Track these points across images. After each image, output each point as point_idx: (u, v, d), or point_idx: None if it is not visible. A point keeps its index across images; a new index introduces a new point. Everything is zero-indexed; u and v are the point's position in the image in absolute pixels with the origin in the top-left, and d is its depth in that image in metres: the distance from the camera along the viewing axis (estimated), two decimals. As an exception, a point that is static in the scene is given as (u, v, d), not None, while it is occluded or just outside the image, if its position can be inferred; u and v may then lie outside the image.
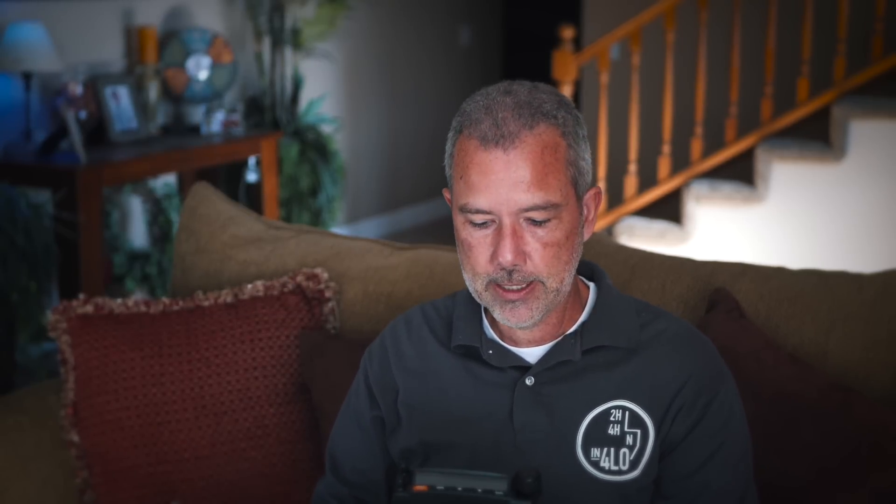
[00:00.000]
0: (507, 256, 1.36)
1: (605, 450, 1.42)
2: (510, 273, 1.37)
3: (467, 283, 1.43)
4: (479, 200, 1.36)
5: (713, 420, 1.43)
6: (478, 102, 1.39)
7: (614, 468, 1.41)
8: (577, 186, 1.40)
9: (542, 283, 1.38)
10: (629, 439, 1.42)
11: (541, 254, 1.37)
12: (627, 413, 1.42)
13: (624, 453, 1.42)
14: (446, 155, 1.43)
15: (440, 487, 1.19)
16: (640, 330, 1.46)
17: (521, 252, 1.37)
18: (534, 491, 1.17)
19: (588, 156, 1.43)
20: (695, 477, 1.42)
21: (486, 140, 1.36)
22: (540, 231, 1.37)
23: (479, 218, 1.38)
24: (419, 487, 1.19)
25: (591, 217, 1.45)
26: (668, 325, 1.48)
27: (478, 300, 1.44)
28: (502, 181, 1.35)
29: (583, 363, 1.44)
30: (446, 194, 1.47)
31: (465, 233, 1.39)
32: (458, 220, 1.41)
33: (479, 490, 1.18)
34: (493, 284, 1.39)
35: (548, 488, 1.39)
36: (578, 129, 1.41)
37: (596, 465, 1.41)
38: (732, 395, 1.47)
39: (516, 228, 1.36)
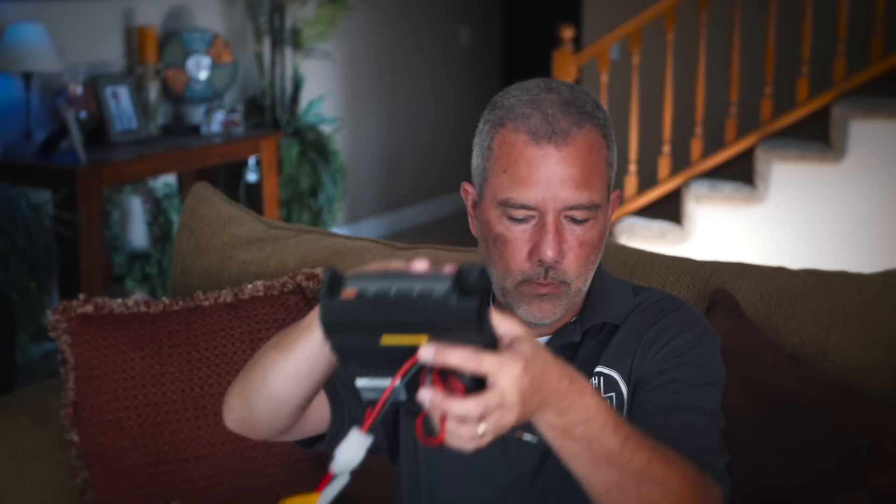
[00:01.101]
0: (549, 253, 1.34)
1: None
2: (547, 271, 1.36)
3: (494, 280, 1.41)
4: (528, 195, 1.34)
5: (677, 345, 1.39)
6: (519, 97, 1.37)
7: None
8: (610, 188, 1.41)
9: (568, 284, 1.38)
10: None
11: (576, 253, 1.36)
12: (603, 378, 1.42)
13: None
14: (479, 148, 1.40)
15: (371, 293, 1.01)
16: (635, 307, 1.46)
17: (562, 249, 1.36)
18: (479, 288, 1.01)
19: (616, 158, 1.43)
20: (660, 384, 1.38)
21: (537, 135, 1.34)
22: (579, 230, 1.36)
23: (520, 213, 1.36)
24: (347, 293, 1.01)
25: (610, 218, 1.45)
26: (650, 295, 1.48)
27: (500, 298, 1.41)
28: (553, 176, 1.34)
29: (581, 344, 1.44)
30: (467, 188, 1.45)
31: (502, 227, 1.37)
32: (493, 214, 1.38)
33: (415, 292, 1.00)
34: (526, 282, 1.37)
35: (543, 473, 1.40)
36: (612, 131, 1.41)
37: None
38: (702, 337, 1.42)
39: (559, 225, 1.35)
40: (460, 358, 1.01)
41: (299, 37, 5.33)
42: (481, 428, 1.03)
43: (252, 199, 4.96)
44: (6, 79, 4.16)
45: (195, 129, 4.67)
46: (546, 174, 1.34)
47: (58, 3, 4.38)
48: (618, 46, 5.62)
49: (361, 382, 1.06)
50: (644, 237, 4.83)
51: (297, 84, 5.38)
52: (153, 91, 4.52)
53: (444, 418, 1.02)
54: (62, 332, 1.99)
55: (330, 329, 1.03)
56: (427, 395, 1.01)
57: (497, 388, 1.02)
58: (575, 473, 1.18)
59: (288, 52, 5.38)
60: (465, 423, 1.02)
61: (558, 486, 1.41)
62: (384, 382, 1.04)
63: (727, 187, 4.88)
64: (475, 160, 1.41)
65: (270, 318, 2.02)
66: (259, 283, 2.06)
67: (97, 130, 4.20)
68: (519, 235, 1.36)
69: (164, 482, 1.95)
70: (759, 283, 1.88)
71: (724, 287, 1.87)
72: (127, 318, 2.01)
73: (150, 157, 4.21)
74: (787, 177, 4.78)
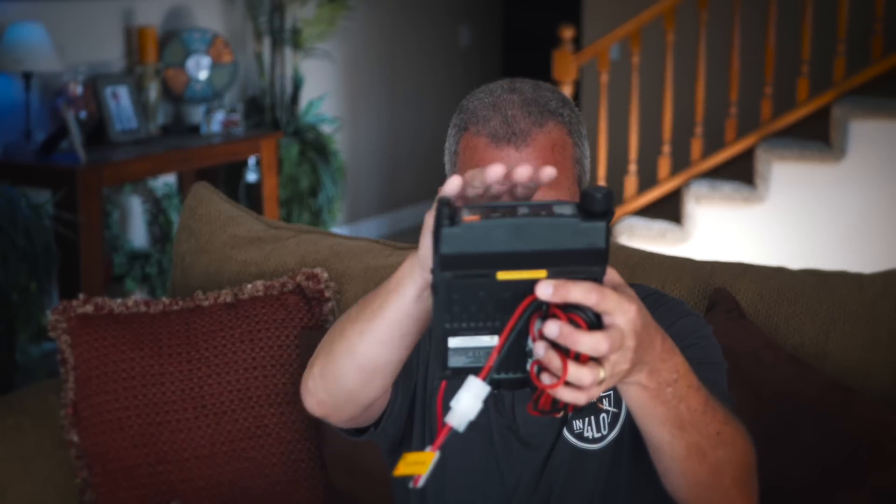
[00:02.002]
0: None
1: (587, 419, 1.41)
2: None
3: None
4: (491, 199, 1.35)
5: (679, 330, 1.38)
6: (482, 100, 1.37)
7: (597, 435, 1.41)
8: (581, 185, 1.40)
9: None
10: (605, 402, 1.41)
11: None
12: None
13: (602, 417, 1.41)
14: (447, 153, 1.41)
15: (496, 215, 0.93)
16: None
17: None
18: (605, 210, 0.94)
19: (588, 154, 1.42)
20: None
21: (496, 138, 1.34)
22: None
23: None
24: (470, 218, 0.93)
25: None
26: (639, 290, 1.47)
27: None
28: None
29: None
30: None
31: None
32: None
33: (543, 213, 0.93)
34: None
35: (546, 473, 1.39)
36: (581, 127, 1.40)
37: (580, 436, 1.41)
38: (701, 323, 1.42)
39: None
40: (582, 292, 0.95)
41: (299, 37, 5.33)
42: (602, 371, 0.98)
43: (252, 199, 4.96)
44: (6, 79, 4.15)
45: (195, 129, 4.67)
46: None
47: (58, 2, 4.37)
48: (618, 46, 5.62)
49: (456, 342, 0.97)
50: (644, 237, 4.82)
51: (297, 84, 5.38)
52: (153, 91, 4.52)
53: (564, 363, 0.96)
54: (62, 332, 1.98)
55: (447, 262, 0.94)
56: (554, 328, 0.95)
57: (616, 326, 0.98)
58: (656, 440, 1.17)
59: (288, 52, 5.38)
60: (587, 365, 0.97)
61: (561, 485, 1.41)
62: (482, 341, 0.97)
63: (727, 187, 4.87)
64: (446, 165, 1.42)
65: (270, 318, 2.02)
66: (259, 283, 2.06)
67: (97, 130, 4.20)
68: None
69: (163, 482, 1.95)
70: (759, 283, 1.88)
71: (724, 287, 1.87)
72: (127, 319, 2.01)
73: (150, 156, 4.21)
74: (787, 177, 4.78)
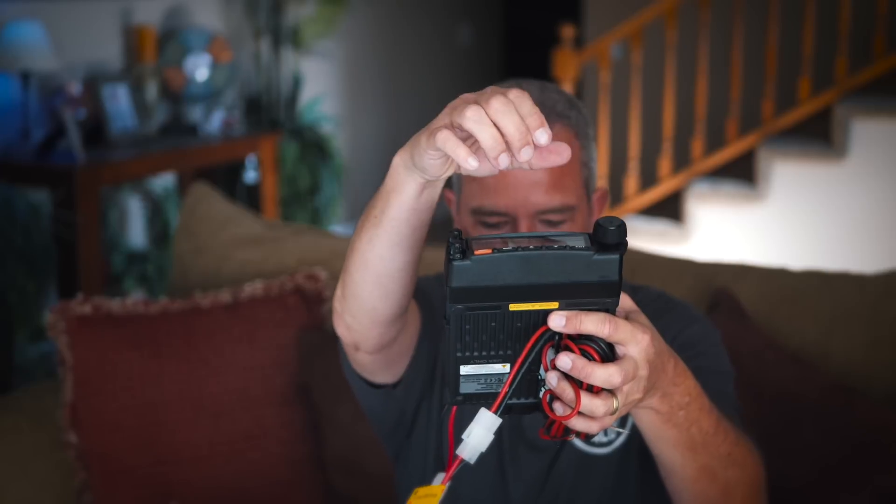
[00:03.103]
0: None
1: None
2: None
3: None
4: (497, 202, 1.35)
5: (688, 337, 1.38)
6: None
7: (605, 439, 1.40)
8: (588, 187, 1.39)
9: None
10: None
11: None
12: None
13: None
14: None
15: (508, 247, 0.93)
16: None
17: None
18: (618, 242, 0.93)
19: (596, 156, 1.42)
20: None
21: None
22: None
23: (493, 219, 1.36)
24: (481, 251, 0.93)
25: (596, 218, 1.44)
26: (647, 293, 1.46)
27: None
28: (520, 183, 1.34)
29: None
30: (448, 195, 1.45)
31: (477, 234, 1.37)
32: (468, 221, 1.38)
33: (556, 245, 0.93)
34: None
35: (552, 477, 1.39)
36: (588, 129, 1.40)
37: (588, 441, 1.40)
38: (710, 330, 1.42)
39: (532, 229, 1.35)
40: (594, 324, 0.95)
41: (299, 36, 5.32)
42: (616, 402, 0.97)
43: (251, 198, 4.95)
44: (4, 78, 4.15)
45: (194, 129, 4.66)
46: (514, 180, 1.34)
47: (56, 1, 4.37)
48: (619, 45, 5.61)
49: (468, 369, 0.98)
50: (645, 237, 4.82)
51: (297, 83, 5.38)
52: (152, 90, 4.51)
53: (577, 394, 0.95)
54: (60, 332, 1.98)
55: (458, 295, 0.94)
56: (566, 361, 0.94)
57: (629, 357, 0.97)
58: (667, 462, 1.17)
59: (287, 52, 5.37)
60: (601, 396, 0.96)
61: (569, 489, 1.40)
62: (494, 369, 0.98)
63: (728, 186, 4.87)
64: None
65: (269, 318, 2.01)
66: (258, 283, 2.06)
67: (95, 130, 4.19)
68: None
69: (162, 483, 1.94)
70: (760, 283, 1.88)
71: (725, 287, 1.87)
72: (125, 319, 2.00)
73: (149, 156, 4.20)
74: (788, 176, 4.77)
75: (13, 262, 3.51)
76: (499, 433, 1.42)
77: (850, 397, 1.73)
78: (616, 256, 0.94)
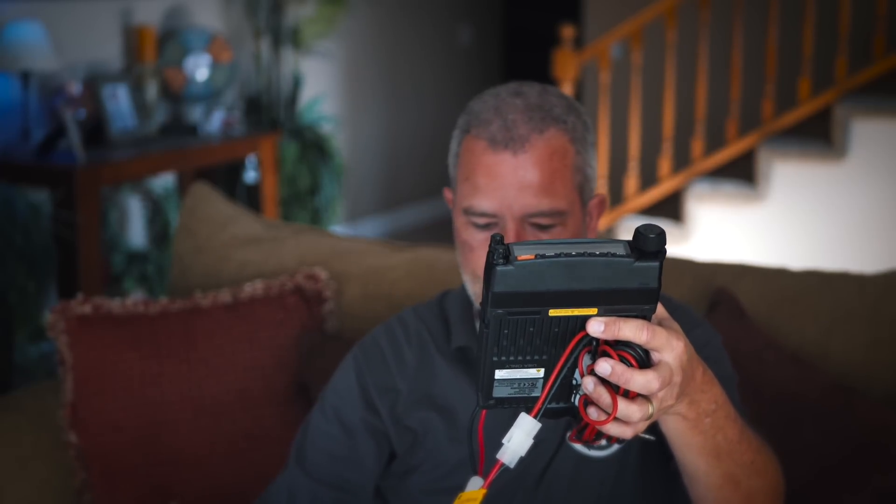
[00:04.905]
0: None
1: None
2: None
3: (466, 286, 1.42)
4: (485, 203, 1.35)
5: (691, 341, 1.39)
6: (486, 102, 1.37)
7: (603, 442, 1.40)
8: (583, 193, 1.39)
9: None
10: None
11: None
12: None
13: None
14: (451, 154, 1.41)
15: (550, 253, 0.94)
16: None
17: None
18: (657, 249, 0.95)
19: (595, 162, 1.41)
20: None
21: (494, 142, 1.34)
22: (544, 236, 1.35)
23: (482, 220, 1.36)
24: (524, 257, 0.94)
25: (593, 225, 1.44)
26: None
27: (476, 304, 1.43)
28: (510, 184, 1.34)
29: None
30: (447, 194, 1.45)
31: (467, 234, 1.38)
32: (460, 221, 1.39)
33: (597, 252, 0.94)
34: None
35: (546, 477, 1.38)
36: (587, 135, 1.39)
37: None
38: (712, 334, 1.43)
39: (520, 232, 1.35)
40: (633, 330, 0.96)
41: (299, 36, 5.32)
42: (651, 407, 0.99)
43: (251, 198, 4.95)
44: (4, 78, 4.15)
45: (194, 129, 4.66)
46: (503, 181, 1.34)
47: (56, 1, 4.37)
48: (619, 45, 5.61)
49: (503, 374, 0.99)
50: (645, 237, 4.81)
51: (297, 83, 5.37)
52: (152, 90, 4.51)
53: (614, 400, 0.97)
54: (60, 332, 1.97)
55: (500, 300, 0.95)
56: (606, 367, 0.96)
57: (665, 363, 0.99)
58: (691, 469, 1.17)
59: (287, 51, 5.37)
60: (636, 402, 0.98)
61: (565, 489, 1.39)
62: (528, 373, 0.99)
63: (728, 186, 4.87)
64: (449, 165, 1.42)
65: (269, 318, 2.01)
66: (258, 283, 2.06)
67: (95, 130, 4.19)
68: (483, 243, 1.36)
69: (162, 483, 1.94)
70: (760, 283, 1.88)
71: (725, 287, 1.87)
72: (125, 319, 2.00)
73: (149, 156, 4.20)
74: (788, 176, 4.77)
75: (13, 261, 3.51)
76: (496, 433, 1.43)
77: (850, 397, 1.73)
78: (656, 264, 0.95)
